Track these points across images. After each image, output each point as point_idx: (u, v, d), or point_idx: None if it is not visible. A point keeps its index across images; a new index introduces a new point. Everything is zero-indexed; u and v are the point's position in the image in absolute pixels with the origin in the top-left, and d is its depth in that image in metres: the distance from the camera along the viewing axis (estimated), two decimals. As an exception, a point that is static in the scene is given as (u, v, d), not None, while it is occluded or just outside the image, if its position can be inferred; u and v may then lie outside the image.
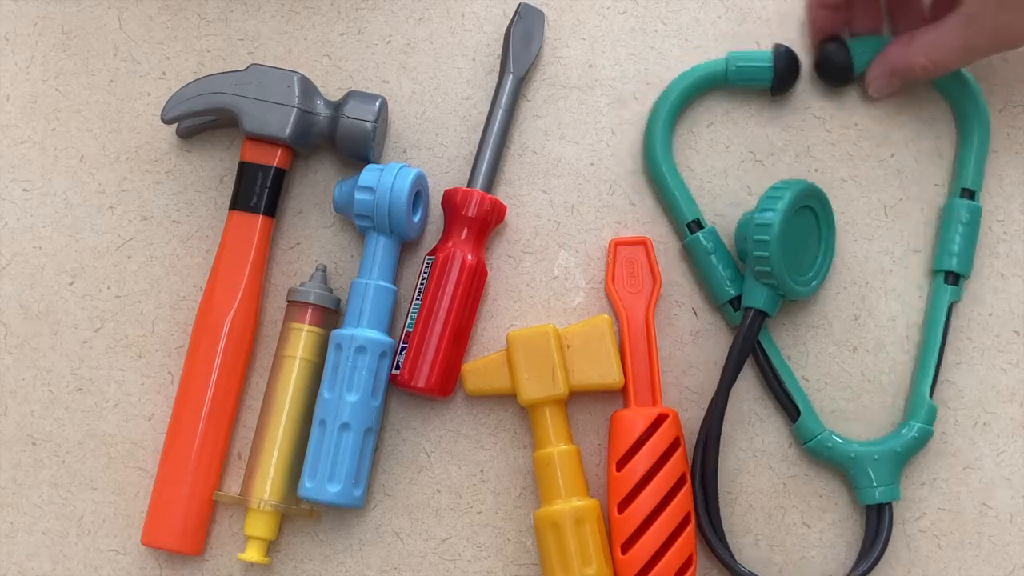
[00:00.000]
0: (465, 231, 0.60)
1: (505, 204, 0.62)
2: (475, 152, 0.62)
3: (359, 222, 0.59)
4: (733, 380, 0.59)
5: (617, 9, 0.65)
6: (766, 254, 0.57)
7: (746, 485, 0.61)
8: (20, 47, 0.65)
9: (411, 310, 0.59)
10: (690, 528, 0.57)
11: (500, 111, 0.61)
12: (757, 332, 0.59)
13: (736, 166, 0.63)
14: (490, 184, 0.61)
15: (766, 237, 0.57)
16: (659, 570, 0.56)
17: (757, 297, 0.59)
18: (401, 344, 0.59)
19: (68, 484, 0.61)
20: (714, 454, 0.58)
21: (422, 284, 0.59)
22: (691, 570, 0.57)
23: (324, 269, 0.61)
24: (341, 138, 0.60)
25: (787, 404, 0.60)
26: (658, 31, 0.65)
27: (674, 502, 0.57)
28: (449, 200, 0.60)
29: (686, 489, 0.57)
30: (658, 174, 0.62)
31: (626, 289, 0.60)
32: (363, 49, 0.64)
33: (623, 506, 0.57)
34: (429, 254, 0.60)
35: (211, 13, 0.65)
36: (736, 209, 0.63)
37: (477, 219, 0.60)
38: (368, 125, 0.60)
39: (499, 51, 0.64)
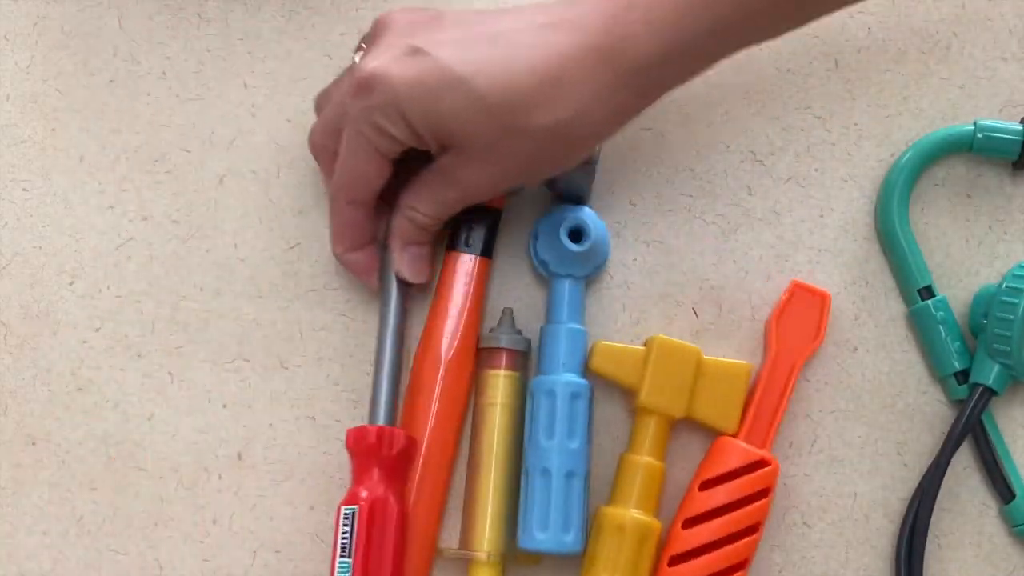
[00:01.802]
0: (378, 471, 0.57)
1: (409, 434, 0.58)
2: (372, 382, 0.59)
3: (543, 268, 0.60)
4: (952, 455, 0.58)
5: (617, 9, 0.65)
6: (1008, 333, 0.57)
7: (746, 485, 0.61)
8: (20, 47, 0.65)
9: (338, 567, 0.55)
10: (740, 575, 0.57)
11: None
12: (983, 410, 0.59)
13: (736, 166, 0.63)
14: (393, 414, 0.58)
15: (1011, 316, 0.57)
16: None
17: (987, 374, 0.58)
18: None
19: (68, 484, 0.61)
20: (922, 535, 0.58)
21: (345, 538, 0.55)
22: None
23: (511, 312, 0.61)
24: (561, 181, 0.59)
25: (1001, 485, 0.60)
26: (658, 31, 0.65)
27: (737, 544, 0.56)
28: (359, 441, 0.57)
29: (754, 538, 0.57)
30: (891, 235, 0.61)
31: (787, 331, 0.60)
32: (363, 49, 0.64)
33: (689, 524, 0.57)
34: (345, 503, 0.56)
35: (211, 13, 0.65)
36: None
37: (392, 457, 0.57)
38: (589, 167, 0.59)
39: (499, 51, 0.64)
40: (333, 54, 0.64)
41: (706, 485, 0.57)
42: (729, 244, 0.63)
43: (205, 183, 0.63)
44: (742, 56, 0.64)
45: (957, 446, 0.59)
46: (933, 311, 0.60)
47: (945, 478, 0.59)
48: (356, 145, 0.54)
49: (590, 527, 0.58)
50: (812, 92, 0.64)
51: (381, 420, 0.58)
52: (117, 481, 0.61)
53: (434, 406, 0.58)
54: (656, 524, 0.57)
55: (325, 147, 0.58)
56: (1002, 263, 0.63)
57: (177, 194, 0.63)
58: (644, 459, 0.58)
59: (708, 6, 0.51)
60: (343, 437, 0.58)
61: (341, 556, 0.55)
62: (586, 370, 0.59)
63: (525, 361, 0.60)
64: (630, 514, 0.57)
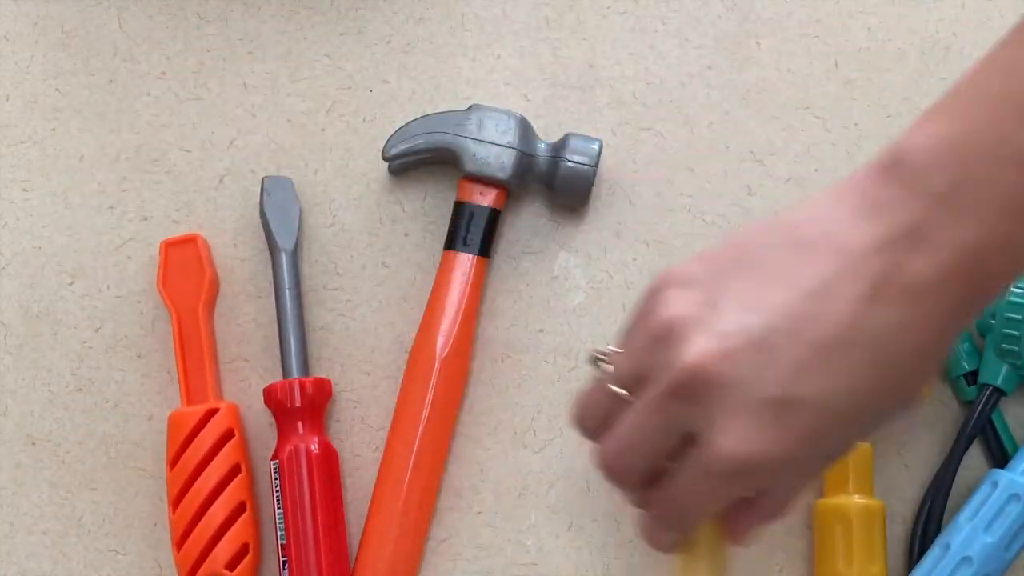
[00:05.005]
0: (300, 423, 0.59)
1: (329, 378, 0.60)
2: (278, 339, 0.60)
3: None
4: (962, 456, 0.58)
5: (617, 9, 0.65)
6: (1016, 333, 0.57)
7: (746, 485, 0.60)
8: (20, 47, 0.65)
9: (277, 520, 0.58)
10: (245, 516, 0.58)
11: (286, 291, 0.60)
12: (992, 410, 0.59)
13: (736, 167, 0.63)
14: (305, 366, 0.60)
15: (1018, 316, 0.57)
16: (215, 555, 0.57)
17: (996, 375, 0.58)
18: (281, 558, 0.58)
19: (68, 484, 0.61)
20: (934, 535, 0.58)
21: (276, 492, 0.58)
22: (248, 557, 0.58)
23: None
24: (561, 182, 0.60)
25: None
26: (658, 31, 0.65)
27: (228, 489, 0.58)
28: (271, 397, 0.59)
29: (241, 478, 0.58)
30: None
31: (176, 287, 0.60)
32: (363, 49, 0.64)
33: (176, 504, 0.58)
34: (272, 458, 0.59)
35: (211, 13, 0.65)
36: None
37: (305, 407, 0.59)
38: (589, 169, 0.60)
39: (499, 51, 0.64)
40: (333, 54, 0.64)
41: (173, 463, 0.58)
42: (729, 244, 0.63)
43: (205, 183, 0.63)
44: (742, 56, 0.64)
45: (967, 446, 0.59)
46: None
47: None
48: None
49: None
50: (812, 92, 0.64)
51: (294, 373, 0.59)
52: (117, 481, 0.61)
53: (427, 404, 0.59)
54: (879, 504, 0.58)
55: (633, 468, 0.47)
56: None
57: (177, 194, 0.63)
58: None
59: None
60: (343, 436, 0.58)
61: (277, 508, 0.58)
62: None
63: None
64: (850, 502, 0.57)
